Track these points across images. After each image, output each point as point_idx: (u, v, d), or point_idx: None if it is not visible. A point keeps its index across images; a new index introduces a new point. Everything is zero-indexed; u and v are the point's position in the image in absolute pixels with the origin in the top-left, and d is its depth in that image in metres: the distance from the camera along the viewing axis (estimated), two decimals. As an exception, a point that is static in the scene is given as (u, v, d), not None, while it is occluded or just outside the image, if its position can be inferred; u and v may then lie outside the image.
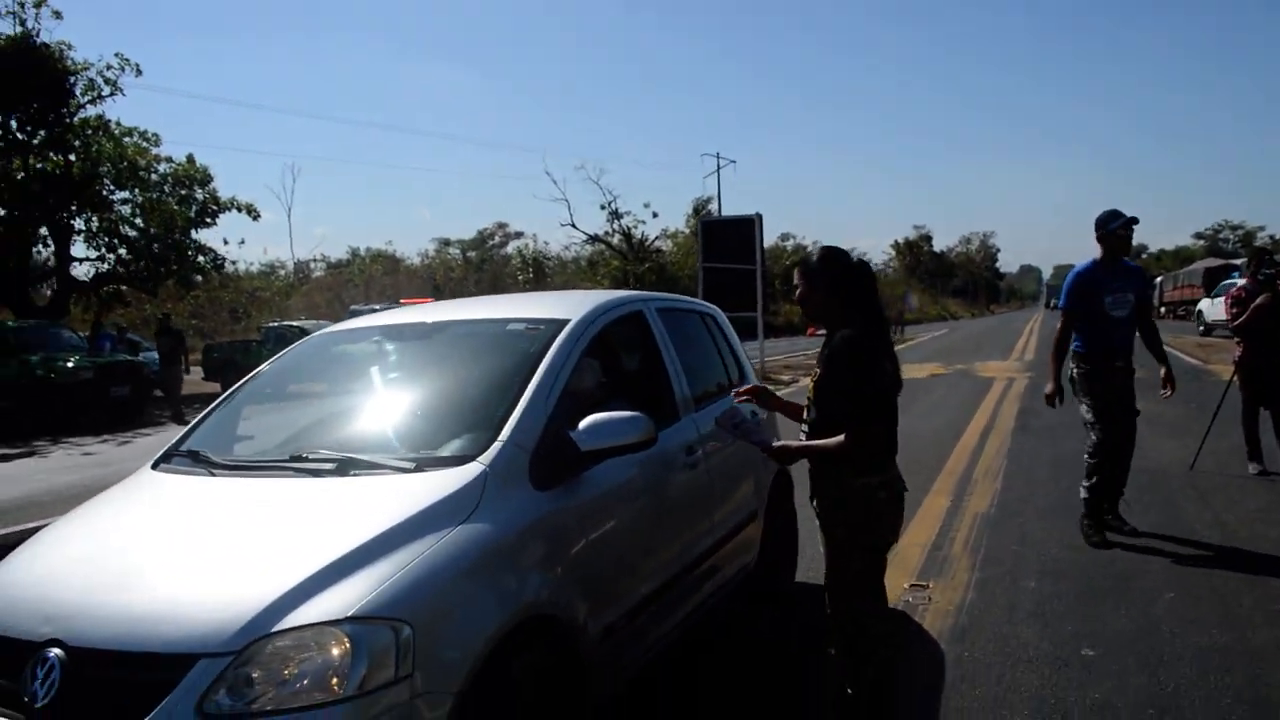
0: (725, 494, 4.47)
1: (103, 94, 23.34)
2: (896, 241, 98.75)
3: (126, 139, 24.33)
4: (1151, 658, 4.18)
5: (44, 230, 23.61)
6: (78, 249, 24.94)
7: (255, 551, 2.79)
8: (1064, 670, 4.09)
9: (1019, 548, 6.02)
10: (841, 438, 3.20)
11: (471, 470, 3.06)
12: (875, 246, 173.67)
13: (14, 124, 22.14)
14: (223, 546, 2.86)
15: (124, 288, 26.55)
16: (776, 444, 3.46)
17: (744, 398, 3.77)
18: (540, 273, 60.68)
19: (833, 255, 3.35)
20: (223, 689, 2.40)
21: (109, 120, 24.06)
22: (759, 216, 21.04)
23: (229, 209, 26.16)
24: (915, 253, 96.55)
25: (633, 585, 3.55)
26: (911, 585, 5.36)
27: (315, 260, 66.45)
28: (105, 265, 25.10)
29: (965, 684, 3.99)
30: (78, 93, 22.93)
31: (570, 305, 3.99)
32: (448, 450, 3.24)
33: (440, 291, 53.83)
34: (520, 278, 59.22)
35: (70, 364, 16.68)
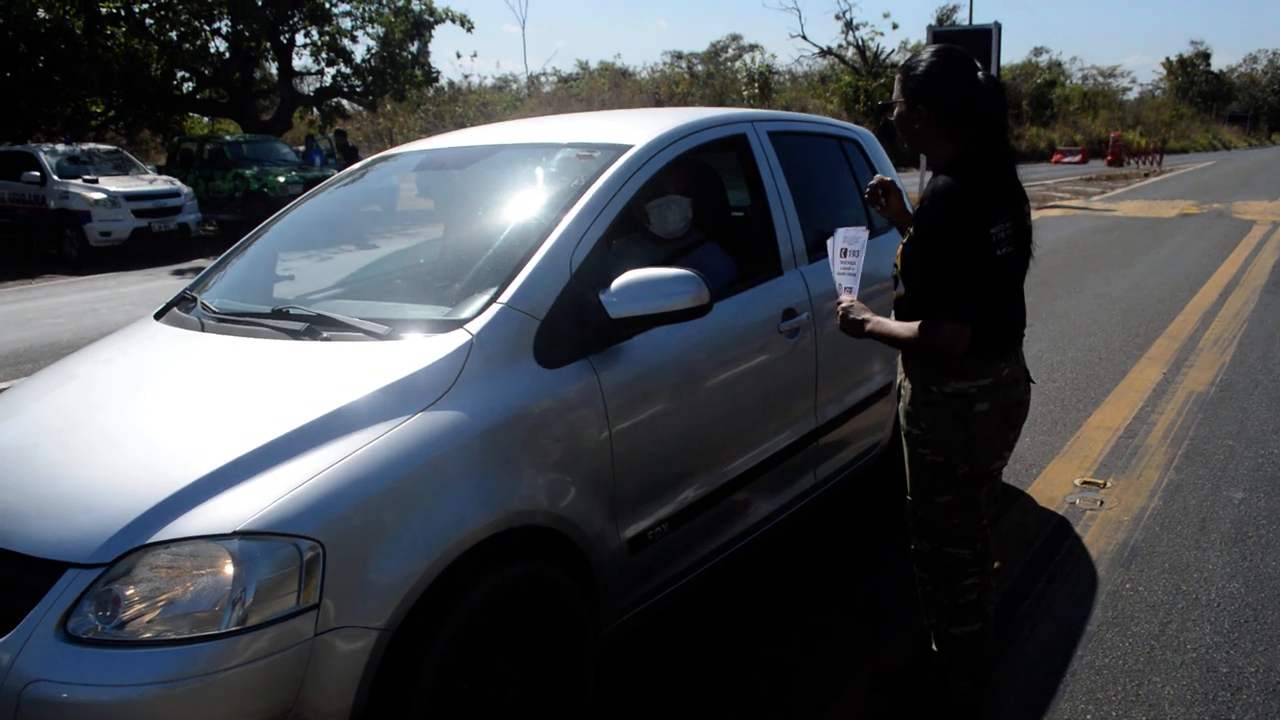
0: (840, 367, 3.66)
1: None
2: (1168, 59, 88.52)
3: (344, -50, 24.32)
4: (1384, 617, 3.18)
5: (268, 45, 24.18)
6: (300, 64, 25.57)
7: (175, 435, 2.31)
8: (1250, 625, 3.16)
9: (1233, 444, 4.90)
10: (916, 327, 2.36)
11: (452, 341, 2.44)
12: (1144, 65, 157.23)
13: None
14: (149, 426, 2.40)
15: (346, 102, 27.17)
16: (856, 306, 2.55)
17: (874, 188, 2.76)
18: (767, 88, 58.09)
19: (947, 62, 2.37)
20: (90, 606, 1.97)
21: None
22: (997, 26, 18.82)
23: (444, 20, 26.02)
24: (1189, 73, 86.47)
25: (677, 487, 2.88)
26: (1084, 483, 4.42)
27: (546, 74, 66.28)
28: (326, 80, 25.65)
29: (1114, 630, 3.14)
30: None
31: (642, 127, 3.20)
32: (435, 313, 2.63)
33: (663, 106, 52.51)
34: (745, 93, 56.93)
35: (281, 179, 17.17)
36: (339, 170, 17.69)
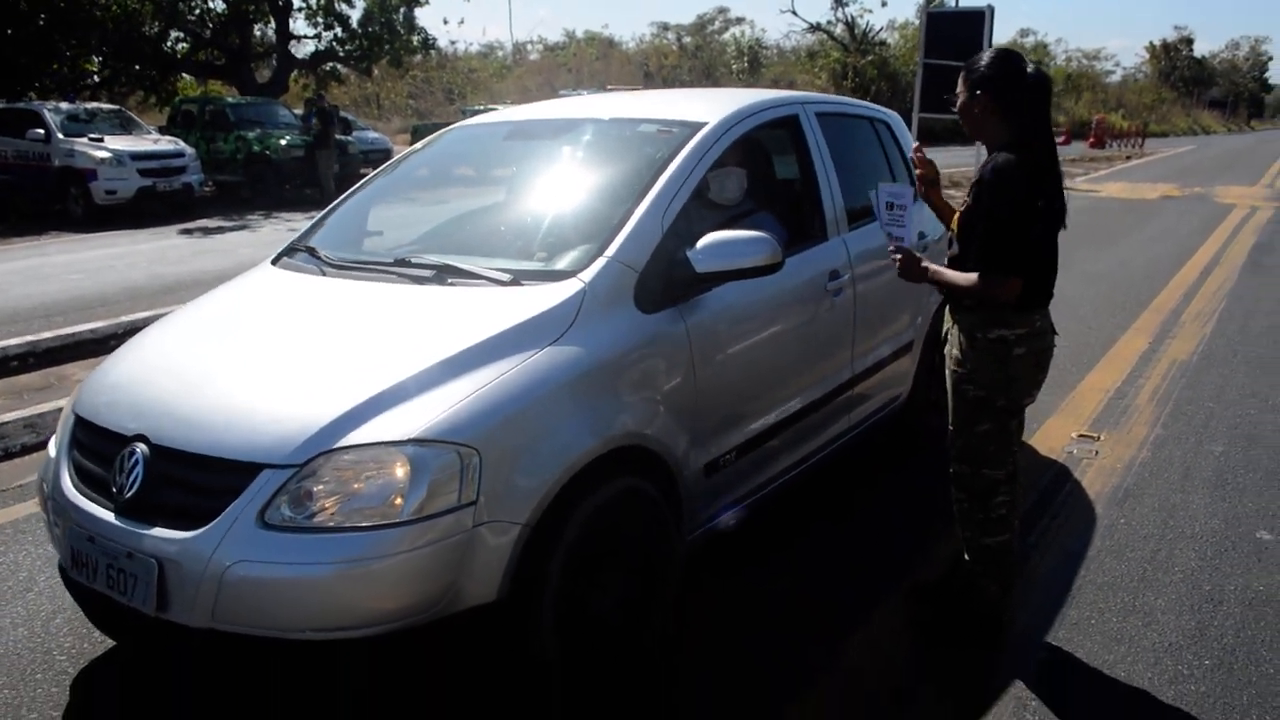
0: (872, 324, 4.11)
1: None
2: (1151, 44, 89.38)
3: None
4: (1344, 548, 3.67)
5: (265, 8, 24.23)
6: (298, 27, 25.61)
7: (336, 360, 2.72)
8: (1229, 553, 3.65)
9: (1214, 405, 5.40)
10: (975, 277, 2.80)
11: (568, 288, 2.85)
12: (1127, 49, 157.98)
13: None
14: (307, 352, 2.81)
15: (340, 67, 27.25)
16: (914, 253, 3.01)
17: (919, 155, 3.22)
18: (755, 63, 58.33)
19: (1005, 61, 2.83)
20: (284, 500, 2.37)
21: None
22: (990, 10, 19.19)
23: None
24: (1171, 57, 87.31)
25: (744, 420, 3.32)
26: (1080, 436, 4.91)
27: (532, 42, 66.31)
28: (322, 44, 25.74)
29: (1111, 556, 3.62)
30: None
31: (711, 106, 3.62)
32: (548, 264, 3.04)
33: (651, 79, 52.73)
34: (734, 67, 57.17)
35: (284, 142, 17.40)
36: (316, 134, 17.36)
